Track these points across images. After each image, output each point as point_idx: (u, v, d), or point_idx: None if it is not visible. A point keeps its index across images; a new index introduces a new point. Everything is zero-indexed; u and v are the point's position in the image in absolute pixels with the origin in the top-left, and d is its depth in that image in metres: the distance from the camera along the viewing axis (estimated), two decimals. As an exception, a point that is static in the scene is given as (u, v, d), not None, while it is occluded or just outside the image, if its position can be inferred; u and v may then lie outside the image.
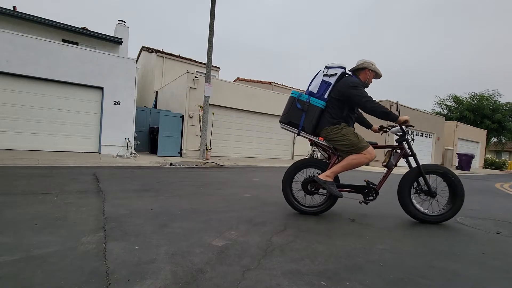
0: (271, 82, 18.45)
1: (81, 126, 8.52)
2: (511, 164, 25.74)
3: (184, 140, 10.36)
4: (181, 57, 15.63)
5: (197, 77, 10.53)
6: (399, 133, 3.14)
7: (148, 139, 11.25)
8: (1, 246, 1.79)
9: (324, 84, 2.89)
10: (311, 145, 3.23)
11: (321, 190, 3.16)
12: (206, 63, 9.74)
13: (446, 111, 25.67)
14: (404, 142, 3.11)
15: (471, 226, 3.15)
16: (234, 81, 18.15)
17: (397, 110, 3.05)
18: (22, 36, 7.68)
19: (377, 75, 3.11)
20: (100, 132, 8.72)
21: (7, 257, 1.65)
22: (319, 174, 3.03)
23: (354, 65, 3.05)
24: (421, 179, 3.17)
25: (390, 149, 3.18)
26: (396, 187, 3.32)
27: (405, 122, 2.87)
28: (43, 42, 7.87)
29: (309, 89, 2.96)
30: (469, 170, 16.49)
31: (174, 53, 15.43)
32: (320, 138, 3.00)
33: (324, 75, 2.91)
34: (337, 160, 3.04)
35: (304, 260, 1.87)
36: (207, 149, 9.98)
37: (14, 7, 11.26)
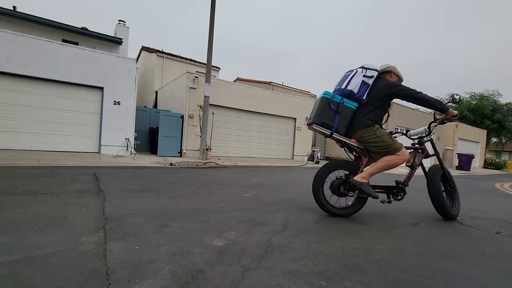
0: (271, 82, 18.45)
1: (81, 126, 8.52)
2: (511, 164, 25.74)
3: (184, 140, 10.36)
4: (181, 57, 15.63)
5: (197, 77, 10.53)
6: (422, 134, 3.23)
7: (148, 139, 11.26)
8: (1, 246, 1.79)
9: (364, 85, 2.87)
10: (341, 146, 3.21)
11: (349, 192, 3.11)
12: (206, 63, 9.74)
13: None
14: (428, 142, 3.28)
15: (471, 226, 3.15)
16: (234, 81, 18.15)
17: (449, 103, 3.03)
18: (22, 36, 7.68)
19: (400, 79, 3.17)
20: (100, 132, 8.72)
21: (7, 257, 1.65)
22: (346, 175, 3.08)
23: (379, 68, 3.05)
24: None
25: (414, 150, 3.27)
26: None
27: (455, 116, 2.90)
28: (43, 42, 7.87)
29: (348, 88, 2.91)
30: (469, 170, 16.49)
31: (174, 53, 15.44)
32: (352, 139, 2.97)
33: (363, 76, 2.89)
34: (368, 161, 3.06)
35: (304, 260, 1.87)
36: (207, 149, 9.98)
37: (14, 7, 11.26)
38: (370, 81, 2.88)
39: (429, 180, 3.28)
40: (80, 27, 11.90)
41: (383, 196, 3.26)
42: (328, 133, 2.93)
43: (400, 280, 1.68)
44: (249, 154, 12.40)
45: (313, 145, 15.20)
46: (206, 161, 9.07)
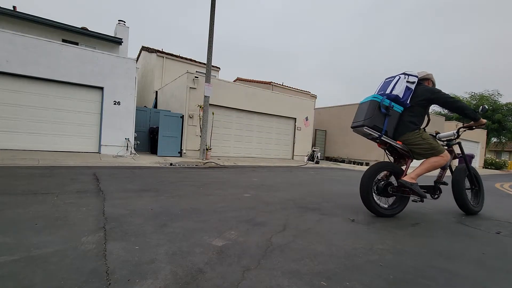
0: (271, 82, 18.45)
1: (81, 126, 8.52)
2: (511, 164, 25.73)
3: (184, 140, 10.36)
4: (181, 57, 15.63)
5: (197, 77, 10.53)
6: (450, 137, 3.52)
7: (148, 139, 11.25)
8: (1, 246, 1.79)
9: (408, 91, 3.05)
10: (384, 149, 3.37)
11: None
12: (206, 63, 9.74)
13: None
14: (457, 145, 3.62)
15: (471, 226, 3.15)
16: (234, 81, 18.15)
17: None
18: (22, 36, 7.68)
19: (434, 85, 3.38)
20: (100, 132, 8.72)
21: (7, 257, 1.65)
22: (387, 176, 3.28)
23: (418, 75, 3.22)
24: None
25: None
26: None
27: (484, 124, 3.20)
28: (43, 42, 7.87)
29: (393, 93, 3.06)
30: (469, 170, 16.45)
31: (174, 53, 15.44)
32: (398, 142, 3.14)
33: (407, 82, 3.07)
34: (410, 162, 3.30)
35: (304, 260, 1.87)
36: (207, 149, 9.98)
37: (14, 7, 11.26)
38: (413, 87, 3.06)
39: (454, 179, 3.58)
40: (80, 27, 11.90)
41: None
42: (377, 135, 3.05)
43: (400, 280, 1.68)
44: (249, 154, 12.40)
45: (313, 145, 15.21)
46: (206, 161, 9.07)
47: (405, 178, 3.04)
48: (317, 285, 1.55)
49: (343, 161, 14.86)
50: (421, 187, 3.23)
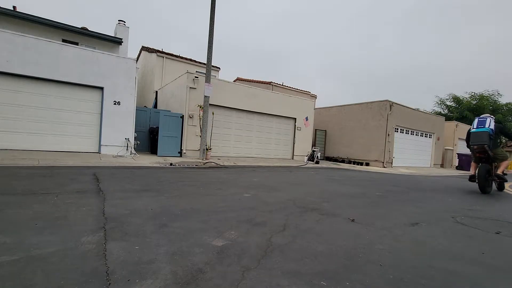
0: (271, 82, 18.45)
1: (81, 126, 8.52)
2: (511, 164, 25.73)
3: (184, 140, 10.36)
4: (181, 57, 15.63)
5: (197, 77, 10.53)
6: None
7: (148, 139, 11.25)
8: (1, 246, 1.79)
9: (494, 126, 5.87)
10: (481, 156, 6.14)
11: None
12: (206, 63, 9.74)
13: (446, 111, 25.69)
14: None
15: (471, 226, 3.15)
16: (234, 81, 18.15)
17: None
18: (22, 36, 7.68)
19: (499, 122, 6.23)
20: (100, 132, 8.72)
21: (7, 257, 1.65)
22: (489, 171, 6.09)
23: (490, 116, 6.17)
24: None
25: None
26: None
27: None
28: (43, 42, 7.87)
29: (490, 127, 5.84)
30: (469, 170, 16.48)
31: (174, 53, 15.43)
32: (492, 153, 5.93)
33: (493, 121, 5.96)
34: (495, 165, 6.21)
35: (304, 260, 1.87)
36: (207, 149, 9.98)
37: (14, 7, 11.26)
38: (493, 124, 5.91)
39: (478, 171, 6.03)
40: (80, 27, 11.90)
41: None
42: (488, 149, 5.83)
43: (400, 280, 1.68)
44: (249, 154, 12.40)
45: (313, 145, 15.21)
46: (206, 161, 9.07)
47: (499, 172, 6.06)
48: (317, 285, 1.55)
49: (343, 161, 14.86)
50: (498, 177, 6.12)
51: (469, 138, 6.17)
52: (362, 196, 4.68)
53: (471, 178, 6.30)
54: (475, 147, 5.87)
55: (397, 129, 14.73)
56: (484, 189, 5.92)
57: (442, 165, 18.16)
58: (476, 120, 6.13)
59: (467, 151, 19.20)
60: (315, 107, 15.75)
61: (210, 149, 10.39)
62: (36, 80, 7.86)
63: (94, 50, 9.12)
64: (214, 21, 9.54)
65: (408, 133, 15.62)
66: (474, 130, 5.99)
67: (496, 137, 5.88)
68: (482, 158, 6.05)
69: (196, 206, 3.21)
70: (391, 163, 13.87)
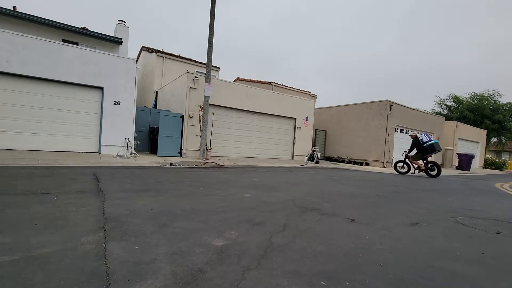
0: (271, 82, 18.44)
1: (81, 126, 8.52)
2: (511, 164, 25.74)
3: (184, 140, 10.36)
4: (181, 57, 15.62)
5: (197, 77, 10.53)
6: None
7: (148, 139, 11.25)
8: (1, 246, 1.79)
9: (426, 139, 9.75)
10: (426, 156, 9.71)
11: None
12: (206, 63, 9.74)
13: (446, 111, 25.68)
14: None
15: (471, 226, 3.15)
16: (234, 81, 18.14)
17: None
18: (22, 36, 7.68)
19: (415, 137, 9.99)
20: (100, 132, 8.71)
21: (7, 257, 1.65)
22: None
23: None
24: None
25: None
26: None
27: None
28: (43, 42, 7.87)
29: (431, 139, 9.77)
30: (469, 170, 16.49)
31: (174, 53, 15.43)
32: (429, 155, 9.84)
33: (425, 135, 9.84)
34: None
35: (304, 260, 1.87)
36: (207, 149, 9.98)
37: (14, 7, 11.26)
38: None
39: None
40: (80, 27, 11.90)
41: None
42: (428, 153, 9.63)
43: (400, 280, 1.68)
44: (249, 154, 12.40)
45: (313, 145, 15.20)
46: (206, 161, 9.07)
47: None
48: (317, 285, 1.55)
49: (343, 161, 14.85)
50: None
51: (432, 146, 9.41)
52: (362, 196, 4.68)
53: (418, 169, 9.86)
54: (436, 152, 9.53)
55: (397, 129, 14.72)
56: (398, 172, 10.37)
57: (442, 165, 18.16)
58: (424, 135, 9.72)
59: (467, 151, 19.32)
60: (315, 107, 15.74)
61: (210, 149, 10.38)
62: (36, 80, 7.86)
63: (94, 50, 9.12)
64: (214, 21, 9.54)
65: (408, 133, 15.61)
66: (433, 141, 9.49)
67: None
68: (425, 158, 9.75)
69: (196, 206, 3.21)
70: (391, 163, 13.87)
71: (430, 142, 9.43)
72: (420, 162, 9.77)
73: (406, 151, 9.97)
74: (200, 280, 1.51)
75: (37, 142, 7.93)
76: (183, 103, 10.45)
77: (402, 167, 10.27)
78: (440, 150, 9.36)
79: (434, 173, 9.56)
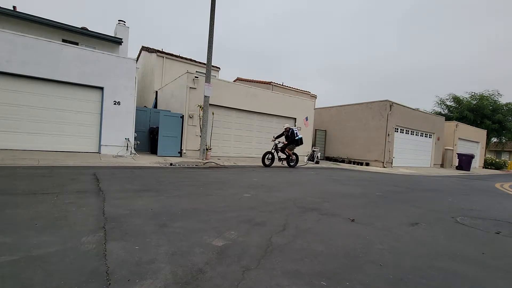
0: (271, 82, 18.43)
1: (81, 126, 8.52)
2: (511, 164, 25.74)
3: (184, 140, 10.35)
4: (181, 57, 15.62)
5: (197, 77, 10.53)
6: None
7: (148, 139, 11.25)
8: (1, 246, 1.79)
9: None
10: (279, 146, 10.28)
11: None
12: (206, 63, 9.74)
13: (446, 111, 25.67)
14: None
15: (471, 226, 3.15)
16: (234, 81, 18.13)
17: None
18: (22, 36, 7.68)
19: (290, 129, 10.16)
20: (100, 132, 8.71)
21: (7, 257, 1.65)
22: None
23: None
24: None
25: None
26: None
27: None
28: (43, 42, 7.87)
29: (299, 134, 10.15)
30: (469, 170, 16.48)
31: (174, 53, 15.42)
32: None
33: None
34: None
35: (304, 260, 1.87)
36: (207, 149, 9.98)
37: (14, 7, 11.25)
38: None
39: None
40: (80, 27, 11.90)
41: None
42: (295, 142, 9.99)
43: (400, 280, 1.68)
44: (249, 154, 12.39)
45: (313, 145, 15.20)
46: (206, 161, 9.07)
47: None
48: (317, 285, 1.55)
49: (343, 161, 14.85)
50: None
51: (301, 140, 10.02)
52: (362, 196, 4.68)
53: (285, 159, 10.19)
54: (299, 144, 10.07)
55: (397, 129, 14.72)
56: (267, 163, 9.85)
57: (442, 165, 18.16)
58: (295, 129, 10.04)
59: (467, 151, 19.29)
60: (315, 107, 15.74)
61: (210, 149, 10.38)
62: (36, 80, 7.86)
63: (94, 50, 9.12)
64: (214, 21, 9.54)
65: (408, 133, 15.62)
66: (300, 136, 10.06)
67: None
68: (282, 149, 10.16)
69: (196, 206, 3.21)
70: (391, 163, 13.87)
71: (299, 136, 10.02)
72: (292, 152, 10.16)
73: (279, 141, 10.06)
74: (200, 280, 1.51)
75: (37, 142, 7.93)
76: (183, 103, 10.45)
77: (268, 158, 9.86)
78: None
79: (293, 164, 10.26)
